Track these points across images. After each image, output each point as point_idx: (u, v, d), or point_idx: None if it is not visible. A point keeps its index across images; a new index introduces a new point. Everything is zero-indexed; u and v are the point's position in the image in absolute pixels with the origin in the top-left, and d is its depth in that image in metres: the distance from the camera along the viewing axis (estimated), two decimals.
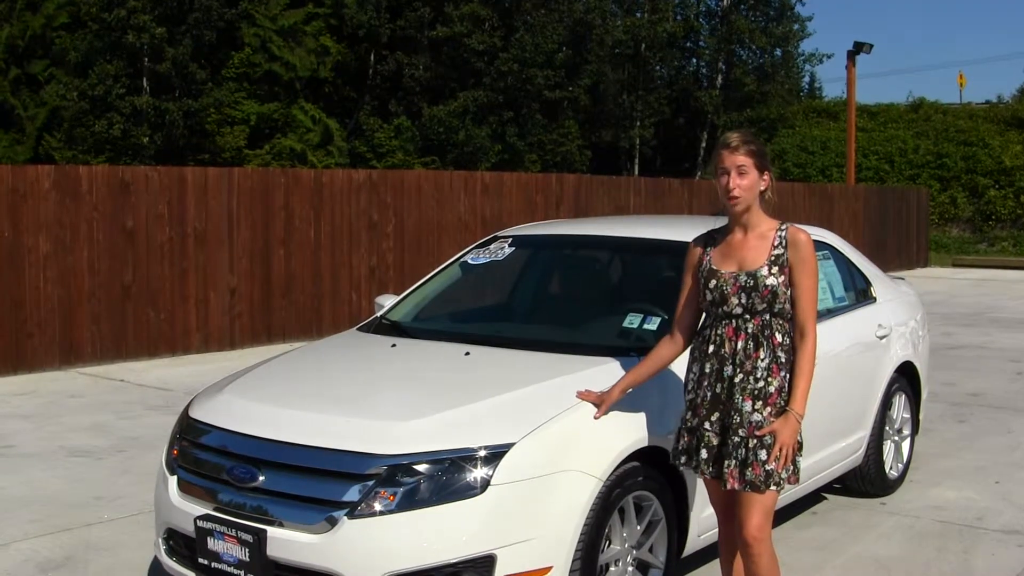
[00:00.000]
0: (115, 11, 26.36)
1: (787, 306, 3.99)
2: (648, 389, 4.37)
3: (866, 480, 6.48)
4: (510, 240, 6.13)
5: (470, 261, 6.12)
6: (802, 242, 4.02)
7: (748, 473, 3.89)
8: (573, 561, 4.05)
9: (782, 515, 5.89)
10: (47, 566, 5.36)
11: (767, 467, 3.87)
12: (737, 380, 3.94)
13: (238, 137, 28.46)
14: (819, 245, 6.35)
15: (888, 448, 6.64)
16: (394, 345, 5.26)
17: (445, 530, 3.87)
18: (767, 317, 3.97)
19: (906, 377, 6.82)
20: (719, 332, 4.02)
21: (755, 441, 3.89)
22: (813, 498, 6.34)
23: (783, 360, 3.96)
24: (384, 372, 4.93)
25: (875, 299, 6.69)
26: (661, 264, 5.66)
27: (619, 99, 36.70)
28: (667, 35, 36.96)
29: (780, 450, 3.87)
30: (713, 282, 4.03)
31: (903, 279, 7.71)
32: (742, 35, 37.60)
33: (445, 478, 3.91)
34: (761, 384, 3.92)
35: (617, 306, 5.54)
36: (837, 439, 5.95)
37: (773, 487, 3.91)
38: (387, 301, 6.05)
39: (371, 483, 3.92)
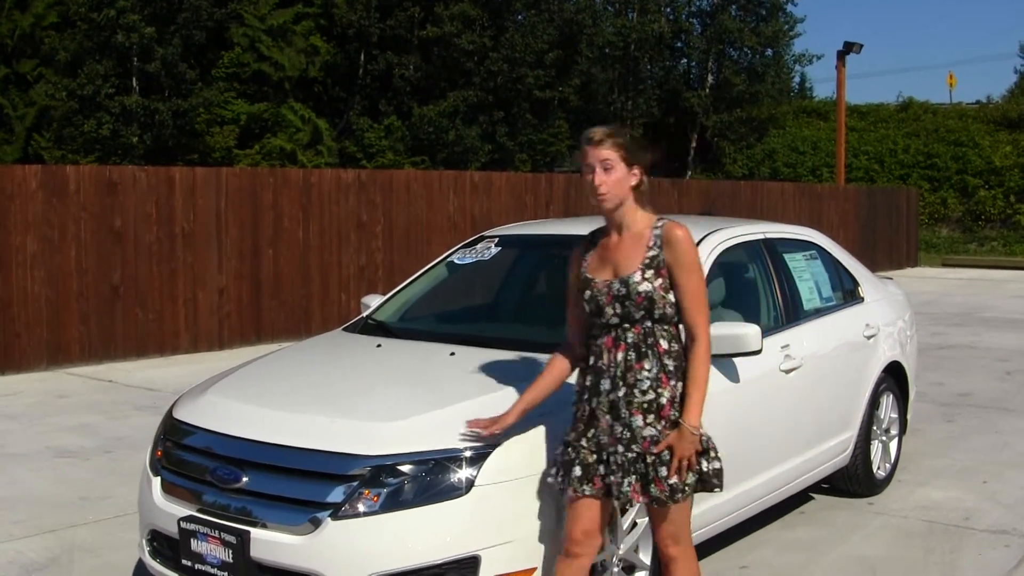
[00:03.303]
0: (104, 11, 26.29)
1: (669, 311, 3.76)
2: None
3: (853, 480, 6.47)
4: (496, 240, 6.10)
5: (456, 261, 6.10)
6: (678, 239, 3.75)
7: (652, 489, 3.72)
8: None
9: (769, 515, 5.88)
10: (31, 568, 5.34)
11: (669, 482, 3.70)
12: (622, 394, 3.73)
13: (228, 137, 28.40)
14: (807, 245, 6.37)
15: (876, 448, 6.64)
16: (379, 345, 5.24)
17: (429, 531, 3.85)
18: (648, 324, 3.74)
19: (894, 377, 6.82)
20: (599, 343, 3.82)
21: (653, 457, 3.71)
22: (801, 498, 6.34)
23: (671, 368, 3.74)
24: (369, 372, 4.92)
25: (863, 299, 6.69)
26: None
27: (609, 99, 36.75)
28: (657, 35, 36.97)
29: (679, 463, 3.70)
30: (588, 292, 3.84)
31: (891, 279, 7.71)
32: (732, 35, 37.62)
33: (429, 479, 3.90)
34: (651, 396, 3.71)
35: None
36: (824, 439, 5.95)
37: (679, 497, 3.74)
38: (373, 301, 6.02)
39: (355, 484, 3.90)
